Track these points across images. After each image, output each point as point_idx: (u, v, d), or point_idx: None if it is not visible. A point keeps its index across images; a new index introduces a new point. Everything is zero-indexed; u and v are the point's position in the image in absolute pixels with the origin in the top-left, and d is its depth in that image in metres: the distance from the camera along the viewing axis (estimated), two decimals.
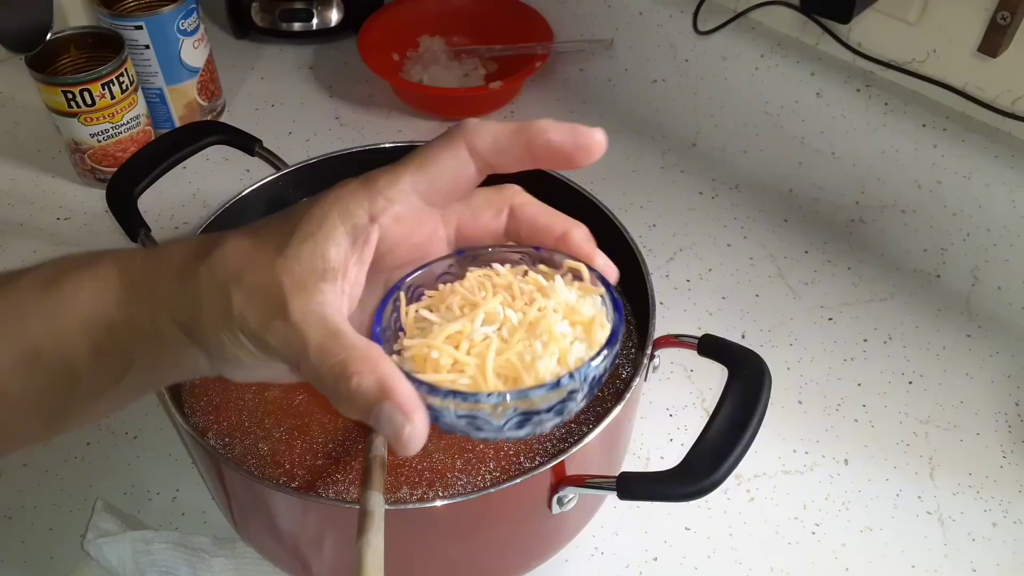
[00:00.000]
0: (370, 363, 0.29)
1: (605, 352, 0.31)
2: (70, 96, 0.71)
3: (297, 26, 0.93)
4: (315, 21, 0.93)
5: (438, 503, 0.43)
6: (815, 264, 0.73)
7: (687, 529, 0.56)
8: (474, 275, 0.34)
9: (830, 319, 0.69)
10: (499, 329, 0.32)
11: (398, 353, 0.33)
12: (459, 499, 0.42)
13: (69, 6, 0.90)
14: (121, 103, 0.74)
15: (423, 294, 0.35)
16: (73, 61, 0.75)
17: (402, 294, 0.34)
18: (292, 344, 0.30)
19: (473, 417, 0.31)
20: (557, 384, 0.30)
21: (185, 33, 0.79)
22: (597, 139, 0.34)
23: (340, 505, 0.45)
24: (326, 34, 0.94)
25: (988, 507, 0.57)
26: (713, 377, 0.64)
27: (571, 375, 0.30)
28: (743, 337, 0.68)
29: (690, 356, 0.47)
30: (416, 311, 0.34)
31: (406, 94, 0.87)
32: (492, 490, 0.43)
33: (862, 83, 0.71)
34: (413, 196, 0.32)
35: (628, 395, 0.45)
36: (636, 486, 0.42)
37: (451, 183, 0.33)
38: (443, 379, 0.31)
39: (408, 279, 0.34)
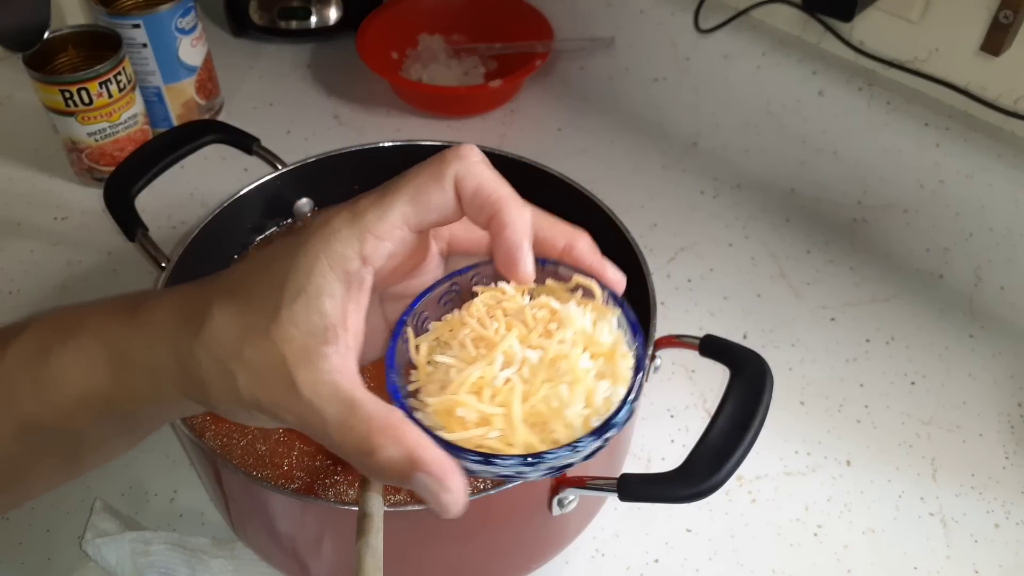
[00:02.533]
0: (393, 433, 0.28)
1: (634, 392, 0.31)
2: (67, 95, 0.71)
3: (295, 24, 0.93)
4: (313, 19, 0.93)
5: None
6: (817, 264, 0.73)
7: (688, 531, 0.56)
8: (481, 299, 0.33)
9: (832, 319, 0.69)
10: (519, 369, 0.31)
11: (413, 395, 0.32)
12: None
13: (67, 4, 0.89)
14: (119, 102, 0.74)
15: (427, 320, 0.33)
16: (71, 60, 0.75)
17: (410, 331, 0.33)
18: (309, 422, 0.29)
19: (506, 476, 0.30)
20: (591, 444, 0.30)
21: (183, 31, 0.78)
22: (523, 276, 0.31)
23: (338, 507, 0.45)
24: (325, 32, 0.94)
25: (991, 508, 0.57)
26: (715, 378, 0.64)
27: (604, 431, 0.30)
28: (745, 337, 0.67)
29: (691, 357, 0.47)
30: (428, 354, 0.32)
31: (405, 92, 0.87)
32: (492, 491, 0.42)
33: (864, 82, 0.70)
34: (404, 230, 0.30)
35: None
36: (637, 487, 0.42)
37: (441, 218, 0.31)
38: (473, 436, 0.30)
39: (412, 309, 0.33)
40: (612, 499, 0.43)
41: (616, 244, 0.54)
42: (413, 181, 0.30)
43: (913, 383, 0.64)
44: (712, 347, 0.46)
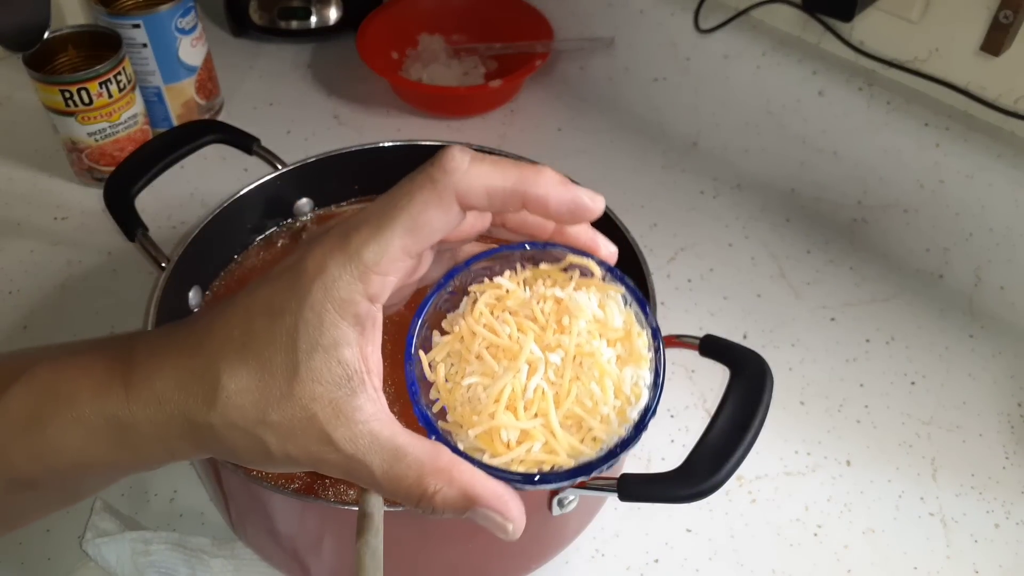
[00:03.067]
0: (445, 475, 0.28)
1: (660, 373, 0.31)
2: (67, 95, 0.71)
3: (295, 24, 0.93)
4: (314, 19, 0.93)
5: None
6: (817, 264, 0.73)
7: (688, 531, 0.56)
8: (483, 300, 0.32)
9: (832, 319, 0.69)
10: (545, 372, 0.31)
11: (442, 416, 0.32)
12: None
13: (67, 4, 0.89)
14: (119, 102, 0.74)
15: (427, 327, 0.33)
16: (71, 60, 0.75)
17: (422, 354, 0.32)
18: (355, 473, 0.29)
19: (560, 487, 0.31)
20: (634, 440, 0.30)
21: (183, 31, 0.78)
22: (598, 209, 0.31)
23: (338, 507, 0.45)
24: (325, 32, 0.94)
25: (991, 508, 0.57)
26: (715, 378, 0.64)
27: (642, 424, 0.30)
28: (745, 337, 0.67)
29: (691, 357, 0.47)
30: (445, 372, 0.32)
31: (405, 92, 0.87)
32: None
33: (864, 82, 0.70)
34: (406, 260, 0.29)
35: None
36: (637, 487, 0.42)
37: (444, 235, 0.30)
38: (517, 455, 0.30)
39: (418, 325, 0.32)
40: (612, 499, 0.43)
41: (616, 244, 0.54)
42: (408, 208, 0.29)
43: (913, 383, 0.64)
44: (712, 347, 0.46)
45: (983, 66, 0.64)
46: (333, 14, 0.93)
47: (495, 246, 0.33)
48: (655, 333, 0.32)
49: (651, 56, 0.83)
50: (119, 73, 0.72)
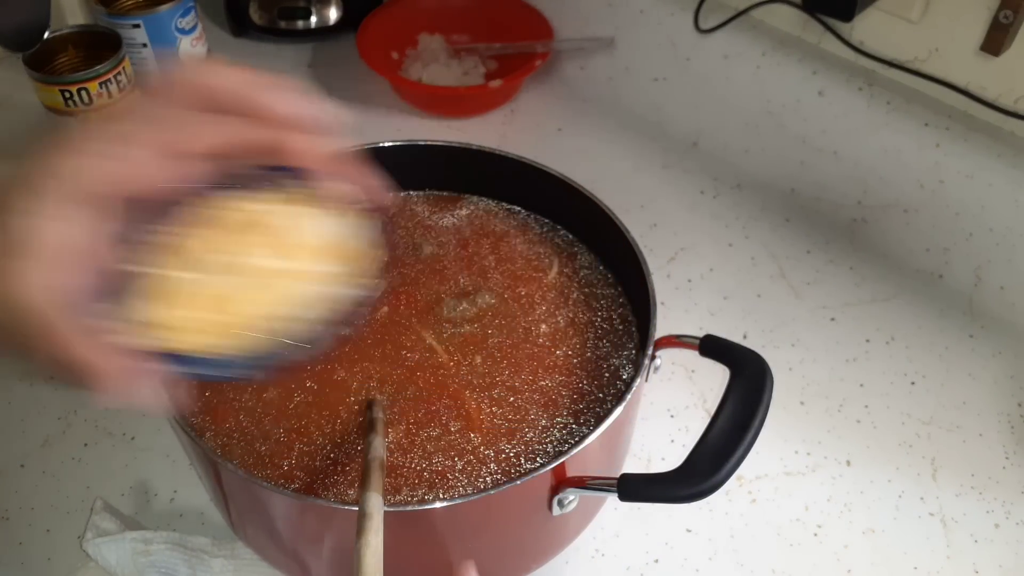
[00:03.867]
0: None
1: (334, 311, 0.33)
2: (67, 95, 0.71)
3: (296, 24, 0.93)
4: (314, 19, 0.93)
5: (438, 505, 0.43)
6: (817, 264, 0.73)
7: (688, 531, 0.56)
8: (205, 212, 0.33)
9: (832, 319, 0.69)
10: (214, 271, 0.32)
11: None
12: (459, 501, 0.42)
13: (67, 4, 0.89)
14: (119, 102, 0.74)
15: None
16: (71, 60, 0.75)
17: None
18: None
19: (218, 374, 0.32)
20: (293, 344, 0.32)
21: (183, 31, 0.78)
22: (325, 115, 0.33)
23: (338, 507, 0.45)
24: (325, 32, 0.94)
25: (990, 508, 0.57)
26: (715, 378, 0.64)
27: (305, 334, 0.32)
28: (745, 337, 0.67)
29: (691, 356, 0.47)
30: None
31: (405, 92, 0.87)
32: (492, 492, 0.42)
33: (864, 82, 0.70)
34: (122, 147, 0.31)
35: (629, 396, 0.45)
36: (637, 487, 0.42)
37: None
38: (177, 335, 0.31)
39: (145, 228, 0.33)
40: (612, 499, 0.43)
41: (616, 244, 0.54)
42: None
43: (913, 383, 0.64)
44: (712, 347, 0.46)
45: (983, 66, 0.64)
46: (333, 14, 0.93)
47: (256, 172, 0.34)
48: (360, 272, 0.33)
49: (651, 56, 0.83)
50: (119, 73, 0.73)
